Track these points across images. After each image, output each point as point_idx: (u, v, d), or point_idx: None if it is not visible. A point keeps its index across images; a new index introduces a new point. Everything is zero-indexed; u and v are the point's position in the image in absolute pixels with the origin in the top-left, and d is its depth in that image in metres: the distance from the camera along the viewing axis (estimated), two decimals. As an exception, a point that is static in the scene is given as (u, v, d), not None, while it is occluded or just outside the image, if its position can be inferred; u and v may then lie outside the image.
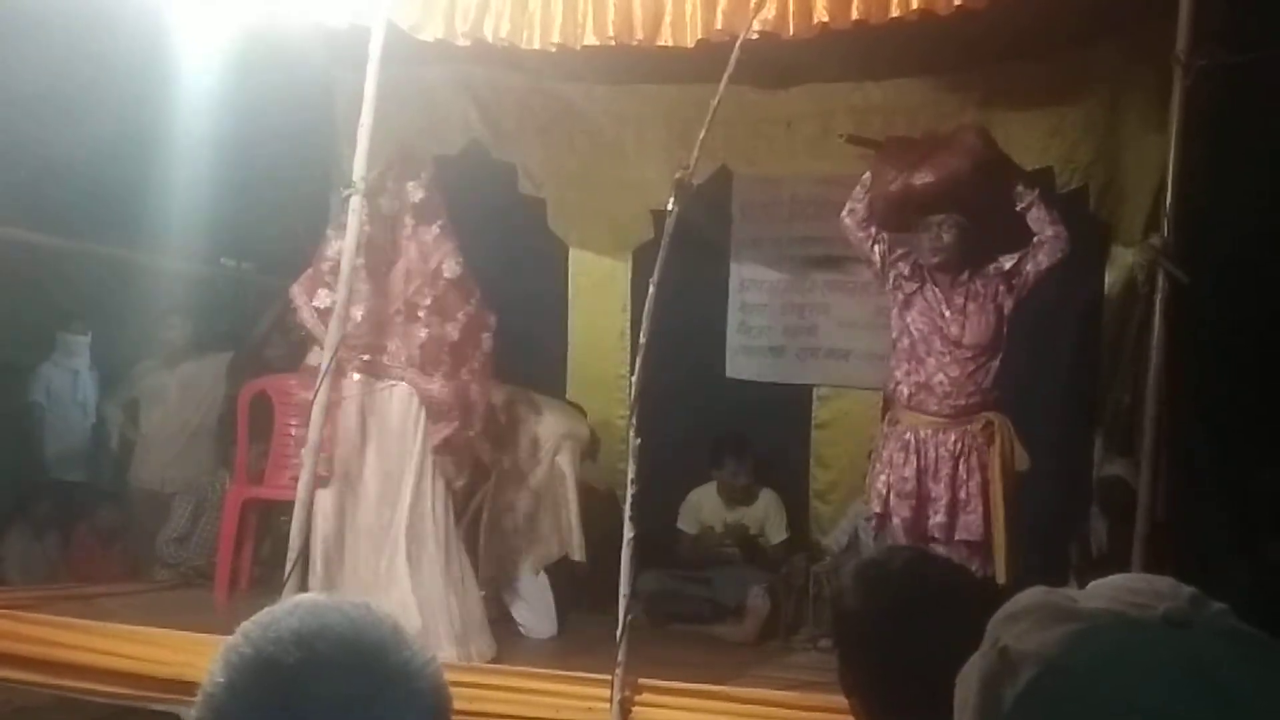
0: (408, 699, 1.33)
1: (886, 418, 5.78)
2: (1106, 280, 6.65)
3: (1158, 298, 4.82)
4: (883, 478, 5.60)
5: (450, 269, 5.91)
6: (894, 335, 5.76)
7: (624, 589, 5.01)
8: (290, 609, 1.38)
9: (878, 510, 5.61)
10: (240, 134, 7.14)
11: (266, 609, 1.41)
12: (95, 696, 5.49)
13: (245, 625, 1.38)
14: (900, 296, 5.72)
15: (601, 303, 7.66)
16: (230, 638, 1.37)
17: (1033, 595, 1.17)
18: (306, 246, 6.46)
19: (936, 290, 5.68)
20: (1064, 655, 1.08)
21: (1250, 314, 6.03)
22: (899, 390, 5.67)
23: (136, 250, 7.46)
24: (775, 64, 6.25)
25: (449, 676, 1.43)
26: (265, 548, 7.20)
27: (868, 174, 5.73)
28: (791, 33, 5.24)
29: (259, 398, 7.20)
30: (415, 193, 5.91)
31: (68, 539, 8.13)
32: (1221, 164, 5.50)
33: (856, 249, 5.88)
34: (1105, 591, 1.15)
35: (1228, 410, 6.04)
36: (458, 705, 1.44)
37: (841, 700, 2.41)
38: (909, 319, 5.69)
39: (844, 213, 5.81)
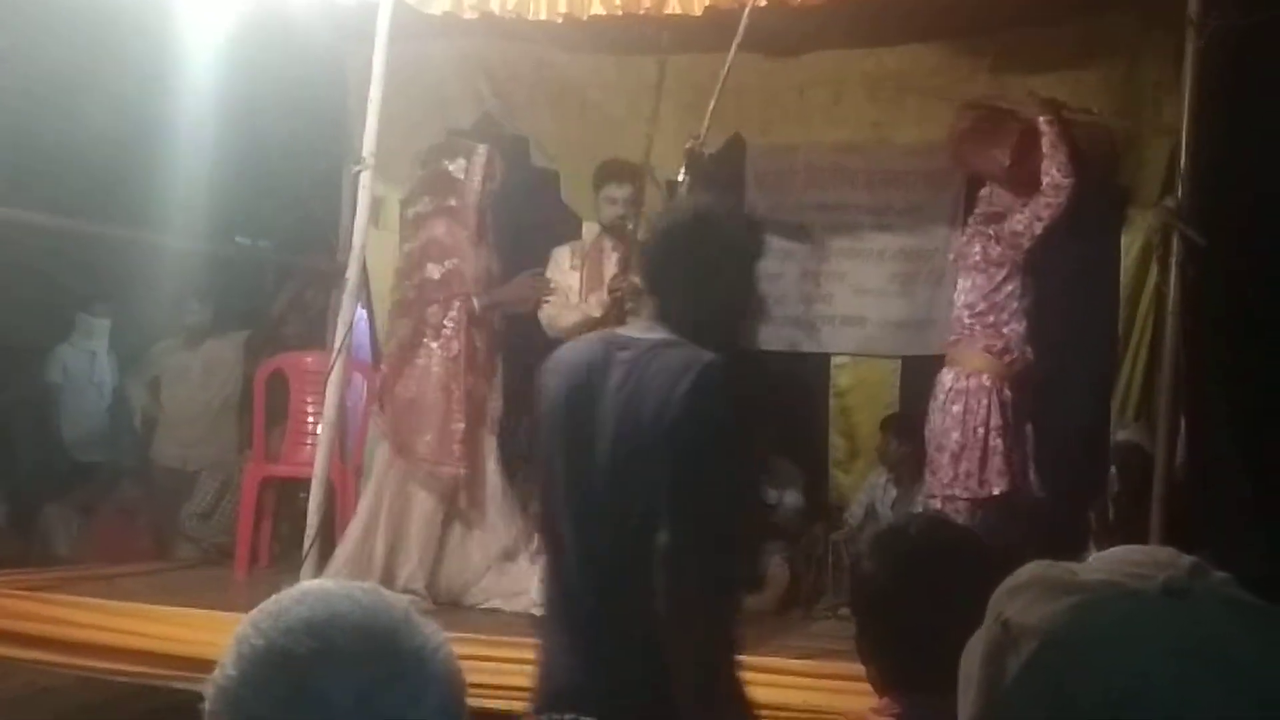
0: (422, 685, 1.33)
1: (1001, 385, 5.66)
2: (1122, 243, 6.61)
3: (1173, 260, 4.81)
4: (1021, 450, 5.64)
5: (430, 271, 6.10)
6: (1010, 293, 5.70)
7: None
8: (299, 597, 1.37)
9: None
10: (251, 112, 7.15)
11: (273, 598, 1.39)
12: (118, 676, 5.53)
13: (254, 615, 1.37)
14: (1029, 260, 5.70)
15: (615, 274, 7.63)
16: (239, 629, 1.36)
17: (1034, 569, 1.17)
18: (321, 223, 6.47)
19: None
20: (1065, 628, 1.08)
21: (1266, 276, 6.00)
22: (1026, 354, 5.67)
23: (151, 231, 7.47)
24: (785, 31, 6.21)
25: (464, 650, 1.42)
26: (284, 525, 7.22)
27: (1049, 136, 5.63)
28: (800, -1, 5.23)
29: (275, 376, 7.23)
30: None
31: (89, 518, 8.17)
32: (1237, 126, 5.46)
33: (1056, 201, 5.58)
34: (1106, 564, 1.15)
35: (1244, 374, 6.01)
36: (473, 679, 1.43)
37: (862, 668, 2.42)
38: (1030, 283, 5.71)
39: (1065, 174, 5.59)
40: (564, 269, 6.26)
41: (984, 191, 5.96)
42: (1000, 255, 5.71)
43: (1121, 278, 6.56)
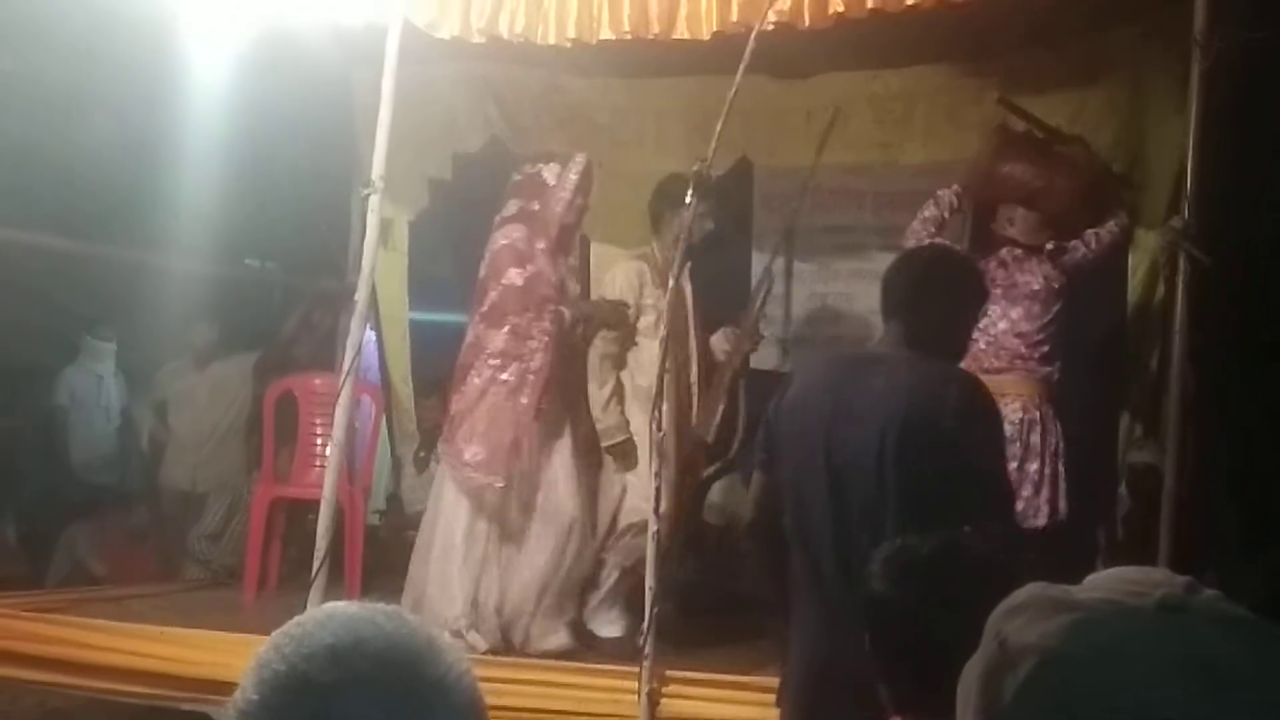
0: (444, 714, 1.32)
1: (1047, 410, 5.77)
2: (1130, 263, 6.61)
3: (1179, 280, 4.81)
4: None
5: (509, 277, 5.85)
6: (1063, 322, 5.85)
7: (650, 581, 5.03)
8: (322, 621, 1.36)
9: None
10: (260, 134, 7.16)
11: (296, 620, 1.38)
12: (126, 697, 5.53)
13: (276, 638, 1.36)
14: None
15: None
16: (261, 652, 1.35)
17: (1031, 590, 1.18)
18: (330, 245, 6.45)
19: None
20: (1062, 645, 1.08)
21: (1272, 296, 5.99)
22: (1058, 380, 5.78)
23: (159, 253, 7.49)
24: (792, 55, 6.23)
25: (486, 673, 1.41)
26: (292, 548, 7.22)
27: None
28: (807, 23, 5.24)
29: (284, 397, 7.24)
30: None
31: (99, 541, 8.18)
32: (1243, 146, 5.46)
33: (1122, 239, 6.07)
34: (1102, 583, 1.16)
35: (1251, 395, 6.00)
36: (494, 702, 1.43)
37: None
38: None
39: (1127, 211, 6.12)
40: (641, 286, 6.02)
41: (1007, 214, 6.00)
42: (1063, 286, 5.85)
43: (1129, 297, 6.55)
